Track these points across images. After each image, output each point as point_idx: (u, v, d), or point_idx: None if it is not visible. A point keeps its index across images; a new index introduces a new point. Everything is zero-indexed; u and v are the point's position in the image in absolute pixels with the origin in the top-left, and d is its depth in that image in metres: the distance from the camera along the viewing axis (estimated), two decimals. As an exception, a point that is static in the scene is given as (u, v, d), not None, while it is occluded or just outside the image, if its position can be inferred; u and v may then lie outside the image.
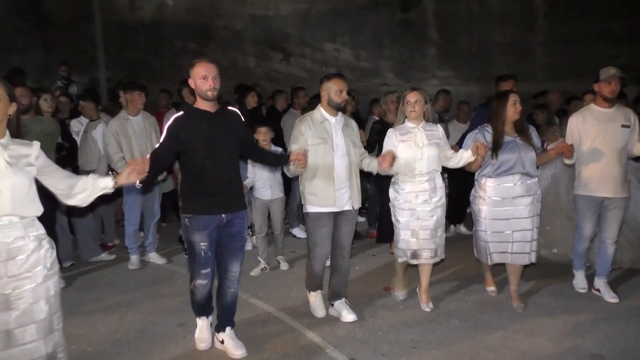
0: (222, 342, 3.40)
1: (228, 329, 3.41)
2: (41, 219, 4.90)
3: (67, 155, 5.14)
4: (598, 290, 4.23)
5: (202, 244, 3.17)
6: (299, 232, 6.28)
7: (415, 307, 4.09)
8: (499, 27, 9.74)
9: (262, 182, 5.00)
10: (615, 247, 4.20)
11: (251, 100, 6.32)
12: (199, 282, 3.26)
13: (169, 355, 3.40)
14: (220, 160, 3.20)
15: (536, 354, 3.31)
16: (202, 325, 3.47)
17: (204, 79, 3.11)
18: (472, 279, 4.62)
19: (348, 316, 3.85)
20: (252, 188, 5.08)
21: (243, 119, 3.48)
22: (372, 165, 3.89)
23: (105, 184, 2.57)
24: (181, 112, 3.22)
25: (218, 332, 3.43)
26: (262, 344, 3.52)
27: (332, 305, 3.95)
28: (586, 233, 4.20)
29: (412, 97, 3.86)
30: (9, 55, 9.40)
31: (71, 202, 2.55)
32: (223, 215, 3.21)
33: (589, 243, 4.28)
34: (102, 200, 5.10)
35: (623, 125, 4.01)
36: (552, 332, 3.61)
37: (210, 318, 3.50)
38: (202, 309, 3.45)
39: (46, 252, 2.36)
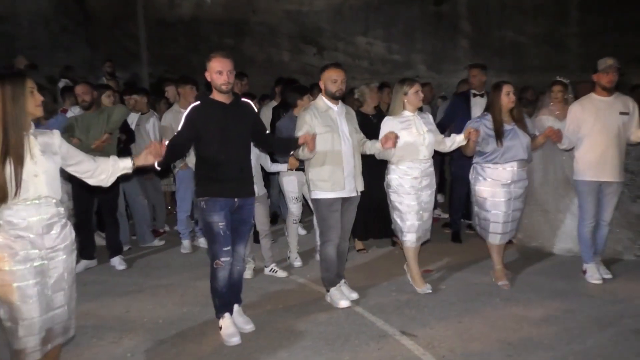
0: (221, 328, 3.52)
1: (236, 306, 3.64)
2: (105, 205, 5.28)
3: (123, 147, 5.44)
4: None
5: (220, 224, 3.36)
6: (299, 230, 6.40)
7: (456, 288, 4.33)
8: (531, 19, 9.81)
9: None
10: (608, 229, 4.47)
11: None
12: (223, 259, 3.40)
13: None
14: (233, 148, 3.40)
15: (577, 329, 3.52)
16: (227, 323, 3.49)
17: (219, 73, 3.29)
18: (510, 261, 4.81)
19: (351, 295, 4.09)
20: None
21: (255, 110, 3.66)
22: (374, 147, 4.03)
23: (124, 165, 2.82)
24: (198, 102, 3.42)
25: (222, 313, 3.56)
26: (314, 314, 3.79)
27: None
28: (589, 215, 4.37)
29: (418, 87, 4.13)
30: (56, 52, 9.86)
31: (93, 181, 2.79)
32: (236, 200, 3.42)
33: (592, 225, 4.39)
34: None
35: (621, 113, 4.21)
36: (591, 310, 3.80)
37: (231, 317, 3.54)
38: (223, 302, 3.51)
39: (70, 230, 2.65)
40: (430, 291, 4.19)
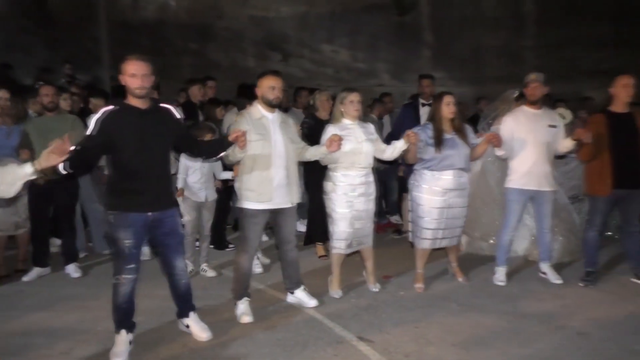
0: (188, 326, 3.57)
1: (191, 313, 3.57)
2: (62, 211, 5.15)
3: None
4: (544, 273, 4.66)
5: (126, 241, 3.15)
6: (299, 225, 6.53)
7: (414, 293, 4.40)
8: (491, 31, 10.11)
9: (195, 183, 4.87)
10: (551, 235, 4.69)
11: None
12: (125, 276, 3.22)
13: (191, 336, 3.61)
14: (149, 157, 3.18)
15: (528, 333, 3.63)
16: (120, 340, 3.27)
17: (132, 76, 3.09)
18: (466, 268, 4.92)
19: (310, 302, 4.08)
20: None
21: (178, 116, 3.45)
22: (318, 151, 3.96)
23: (25, 172, 2.64)
24: (112, 107, 3.19)
25: (181, 318, 3.59)
26: (272, 321, 3.79)
27: (292, 293, 4.15)
28: (512, 224, 4.55)
29: (355, 97, 4.13)
30: (14, 53, 9.58)
31: None
32: (150, 214, 3.21)
33: (513, 234, 4.63)
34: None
35: (550, 126, 4.46)
36: (542, 314, 3.93)
37: (131, 336, 3.32)
38: (123, 318, 3.30)
39: None
40: (338, 297, 4.26)
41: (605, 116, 4.39)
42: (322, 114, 5.19)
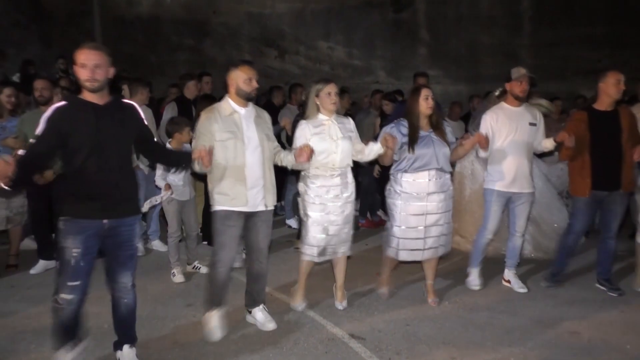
0: None
1: (126, 347, 3.09)
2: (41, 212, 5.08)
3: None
4: (508, 281, 4.46)
5: (74, 250, 2.80)
6: (294, 222, 6.54)
7: (407, 291, 4.40)
8: (487, 30, 10.12)
9: (178, 180, 4.60)
10: (523, 240, 4.47)
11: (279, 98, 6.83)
12: (63, 296, 2.84)
13: (181, 333, 3.64)
14: (106, 158, 2.83)
15: (519, 331, 3.64)
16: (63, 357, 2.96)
17: (82, 66, 2.73)
18: (460, 267, 4.93)
19: (268, 324, 3.64)
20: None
21: (142, 114, 3.10)
22: (287, 159, 3.62)
23: None
24: (63, 103, 2.84)
25: (115, 350, 3.14)
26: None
27: (250, 312, 3.75)
28: (491, 226, 4.33)
29: (332, 88, 3.73)
30: (7, 48, 9.51)
31: None
32: (105, 221, 2.86)
33: (491, 237, 4.40)
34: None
35: (530, 124, 4.22)
36: (534, 313, 3.95)
37: (73, 354, 3.03)
38: (64, 336, 2.98)
39: None
40: (301, 310, 3.93)
41: (588, 114, 4.20)
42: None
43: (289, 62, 10.65)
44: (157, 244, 5.70)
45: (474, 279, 4.46)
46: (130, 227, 3.00)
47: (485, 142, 3.98)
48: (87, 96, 2.82)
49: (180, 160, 3.49)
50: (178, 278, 4.70)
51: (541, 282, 4.49)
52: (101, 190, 2.84)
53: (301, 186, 3.85)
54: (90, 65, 2.72)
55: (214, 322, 3.52)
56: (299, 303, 3.98)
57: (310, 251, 3.83)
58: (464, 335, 3.58)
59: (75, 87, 6.94)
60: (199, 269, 4.90)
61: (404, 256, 3.99)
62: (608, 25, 9.67)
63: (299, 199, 3.89)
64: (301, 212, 3.88)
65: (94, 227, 2.85)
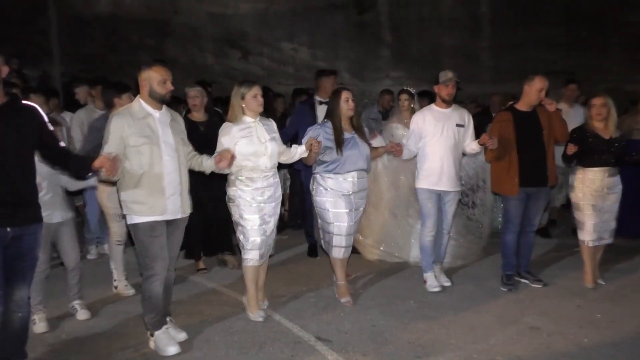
0: None
1: None
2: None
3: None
4: (425, 281, 4.47)
5: None
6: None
7: (373, 292, 4.42)
8: (448, 32, 10.28)
9: (44, 201, 3.32)
10: (449, 237, 4.65)
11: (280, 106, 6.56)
12: None
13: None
14: (4, 163, 2.65)
15: (482, 328, 3.71)
16: None
17: None
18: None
19: (178, 335, 3.46)
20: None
21: (44, 117, 2.90)
22: (205, 164, 3.51)
23: None
24: None
25: None
26: (228, 322, 3.73)
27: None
28: (429, 224, 4.42)
29: (258, 90, 3.70)
30: (-44, 46, 9.11)
31: None
32: (8, 229, 2.68)
33: (433, 234, 4.45)
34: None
35: (458, 125, 4.38)
36: (496, 310, 4.03)
37: None
38: None
39: None
40: (261, 319, 3.79)
41: (512, 114, 4.34)
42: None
43: (252, 63, 10.57)
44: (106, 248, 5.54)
45: (431, 282, 4.46)
46: (34, 235, 2.83)
47: (398, 152, 4.32)
48: None
49: (82, 168, 3.09)
50: (39, 327, 3.65)
51: (501, 287, 4.46)
52: (0, 198, 2.65)
53: (232, 190, 3.72)
54: None
55: (165, 340, 3.33)
56: (256, 313, 3.83)
57: (252, 255, 3.75)
58: (429, 333, 3.62)
59: (26, 87, 6.72)
60: (76, 311, 3.92)
61: (345, 252, 4.13)
62: (564, 27, 9.97)
63: (230, 204, 3.76)
64: (235, 217, 3.76)
65: None
